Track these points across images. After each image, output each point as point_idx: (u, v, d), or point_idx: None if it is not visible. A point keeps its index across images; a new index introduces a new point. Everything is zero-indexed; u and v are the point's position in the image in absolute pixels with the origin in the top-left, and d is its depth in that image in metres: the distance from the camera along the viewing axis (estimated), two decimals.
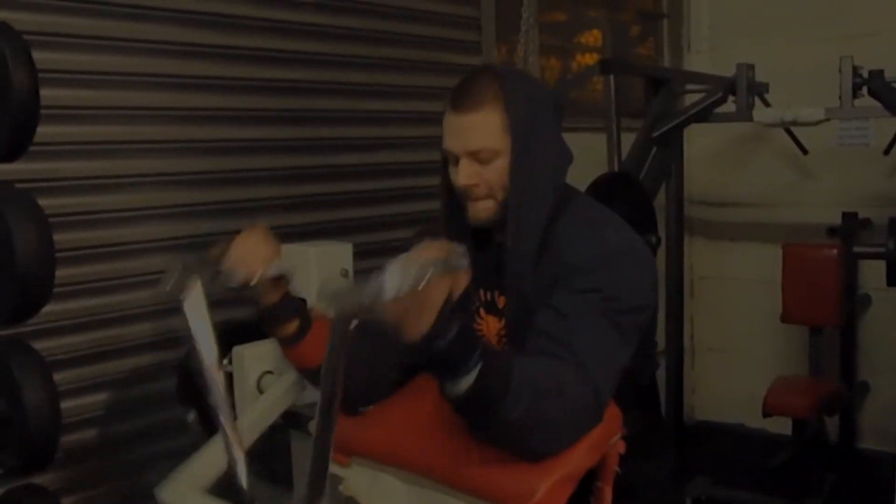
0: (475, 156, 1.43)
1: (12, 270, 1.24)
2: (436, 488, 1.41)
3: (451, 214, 1.54)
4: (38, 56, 1.34)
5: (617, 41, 4.08)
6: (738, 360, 4.24)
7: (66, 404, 1.64)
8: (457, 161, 1.45)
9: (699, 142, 4.13)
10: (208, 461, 1.62)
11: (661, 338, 3.73)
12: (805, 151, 3.65)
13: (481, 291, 1.55)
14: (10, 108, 1.23)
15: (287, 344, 1.48)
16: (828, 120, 2.95)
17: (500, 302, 1.53)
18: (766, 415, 3.17)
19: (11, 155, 1.30)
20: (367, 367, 1.51)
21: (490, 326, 1.56)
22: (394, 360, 1.53)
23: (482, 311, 1.56)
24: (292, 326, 1.45)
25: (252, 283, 1.36)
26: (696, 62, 4.17)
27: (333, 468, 1.57)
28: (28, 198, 1.28)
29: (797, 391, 3.22)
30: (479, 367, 1.21)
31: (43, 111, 1.30)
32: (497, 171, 1.44)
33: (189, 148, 2.17)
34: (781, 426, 3.64)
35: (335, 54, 2.49)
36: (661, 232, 3.30)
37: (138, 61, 2.04)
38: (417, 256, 1.16)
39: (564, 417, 1.30)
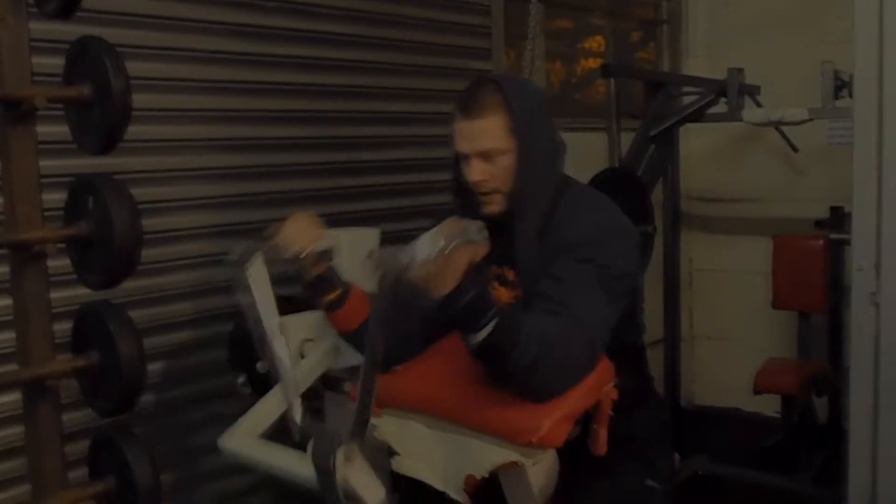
0: (484, 155, 1.67)
1: (110, 245, 1.50)
2: (456, 430, 1.64)
3: (463, 205, 1.79)
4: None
5: (619, 46, 4.34)
6: (734, 348, 4.46)
7: None
8: (468, 160, 1.70)
9: (698, 141, 4.36)
10: (262, 415, 1.89)
11: (658, 327, 3.98)
12: (796, 150, 3.88)
13: (494, 267, 1.82)
14: (108, 110, 1.48)
15: (330, 310, 1.74)
16: (811, 120, 3.19)
17: (510, 275, 1.78)
18: (756, 392, 3.41)
19: (105, 150, 1.56)
20: (398, 332, 1.75)
21: (501, 296, 1.80)
22: (421, 329, 1.77)
23: (496, 284, 1.83)
24: (334, 294, 1.72)
25: (301, 256, 1.64)
26: (694, 66, 4.39)
27: None
28: (120, 184, 1.54)
29: (785, 370, 3.46)
30: (492, 324, 1.45)
31: None
32: (503, 168, 1.68)
33: (237, 145, 2.42)
34: (776, 409, 3.87)
35: (361, 61, 2.74)
36: (659, 224, 3.56)
37: (198, 69, 2.30)
38: (443, 230, 1.42)
39: (565, 364, 1.54)
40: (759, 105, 3.62)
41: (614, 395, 1.67)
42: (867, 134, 1.81)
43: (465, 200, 1.77)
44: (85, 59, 1.52)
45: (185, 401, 2.35)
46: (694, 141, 4.36)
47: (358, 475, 1.48)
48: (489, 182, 1.70)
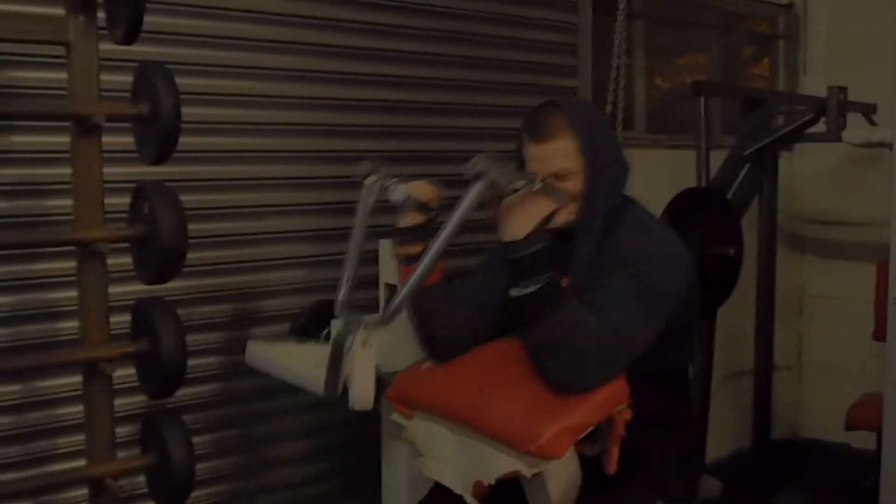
0: (556, 175, 1.76)
1: (157, 245, 1.67)
2: (472, 435, 1.71)
3: None
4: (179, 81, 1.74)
5: (728, 62, 4.23)
6: (845, 378, 4.23)
7: (193, 362, 2.00)
8: None
9: (812, 161, 4.19)
10: None
11: (749, 354, 3.83)
12: None
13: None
14: (159, 126, 1.66)
15: (407, 262, 1.86)
16: None
17: (563, 282, 1.84)
18: (848, 428, 3.24)
19: (160, 160, 1.74)
20: (468, 319, 1.88)
21: None
22: (489, 320, 1.89)
23: None
24: (418, 248, 1.82)
25: (406, 199, 1.83)
26: (810, 83, 4.23)
27: (399, 419, 1.93)
28: (171, 192, 1.71)
29: (878, 406, 3.26)
30: (541, 284, 1.58)
31: (183, 125, 1.73)
32: (574, 186, 1.76)
33: (298, 156, 2.57)
34: None
35: (449, 78, 2.86)
36: (754, 248, 3.46)
37: (258, 84, 2.47)
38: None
39: (587, 355, 1.59)
40: (873, 124, 3.45)
41: (627, 415, 1.68)
42: None
43: None
44: (144, 80, 1.70)
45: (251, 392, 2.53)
46: (808, 161, 4.20)
47: (362, 364, 1.56)
48: None
